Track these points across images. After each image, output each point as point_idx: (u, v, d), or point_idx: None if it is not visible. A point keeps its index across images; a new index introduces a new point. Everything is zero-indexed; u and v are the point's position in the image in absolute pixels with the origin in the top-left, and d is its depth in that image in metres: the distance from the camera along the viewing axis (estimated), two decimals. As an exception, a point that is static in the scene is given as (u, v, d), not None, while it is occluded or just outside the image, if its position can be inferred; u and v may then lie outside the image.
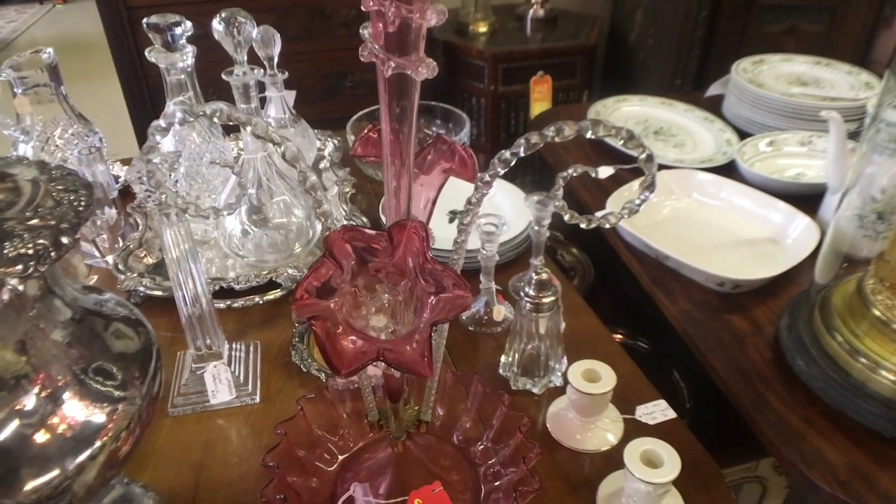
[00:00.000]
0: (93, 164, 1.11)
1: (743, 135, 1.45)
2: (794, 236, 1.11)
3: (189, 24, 1.01)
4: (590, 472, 0.81)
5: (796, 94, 1.47)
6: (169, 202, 0.57)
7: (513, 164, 0.52)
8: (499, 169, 0.52)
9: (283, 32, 1.11)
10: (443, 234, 1.19)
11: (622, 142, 0.49)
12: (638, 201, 0.54)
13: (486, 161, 0.53)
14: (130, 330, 0.60)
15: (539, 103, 2.43)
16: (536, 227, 1.01)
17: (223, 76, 0.97)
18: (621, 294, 1.37)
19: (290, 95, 1.28)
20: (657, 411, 0.87)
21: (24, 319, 0.51)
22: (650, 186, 0.51)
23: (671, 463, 0.70)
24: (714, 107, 1.59)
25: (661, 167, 1.33)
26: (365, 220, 1.24)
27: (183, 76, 1.05)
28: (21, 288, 0.45)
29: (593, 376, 0.82)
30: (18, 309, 0.50)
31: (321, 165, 1.40)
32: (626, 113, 1.61)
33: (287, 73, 1.16)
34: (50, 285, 0.53)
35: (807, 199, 1.19)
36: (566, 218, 0.57)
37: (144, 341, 0.60)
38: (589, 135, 0.49)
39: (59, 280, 0.56)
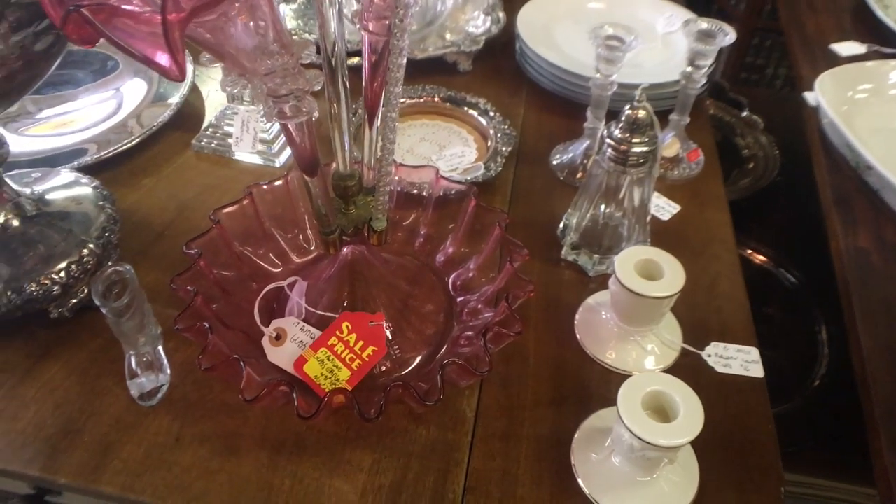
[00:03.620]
0: None
1: None
2: None
3: None
4: (595, 392, 0.58)
5: None
6: None
7: None
8: None
9: None
10: (585, 58, 0.89)
11: None
12: None
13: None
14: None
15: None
16: (689, 69, 0.72)
17: None
18: (802, 211, 1.00)
19: None
20: (738, 359, 0.60)
21: None
22: None
23: (685, 424, 0.45)
24: None
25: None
26: (502, 14, 1.00)
27: None
28: None
29: (653, 272, 0.56)
30: None
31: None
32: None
33: None
34: None
35: None
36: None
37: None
38: None
39: None
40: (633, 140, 0.58)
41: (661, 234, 0.71)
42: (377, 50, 0.46)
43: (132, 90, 0.88)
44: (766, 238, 0.97)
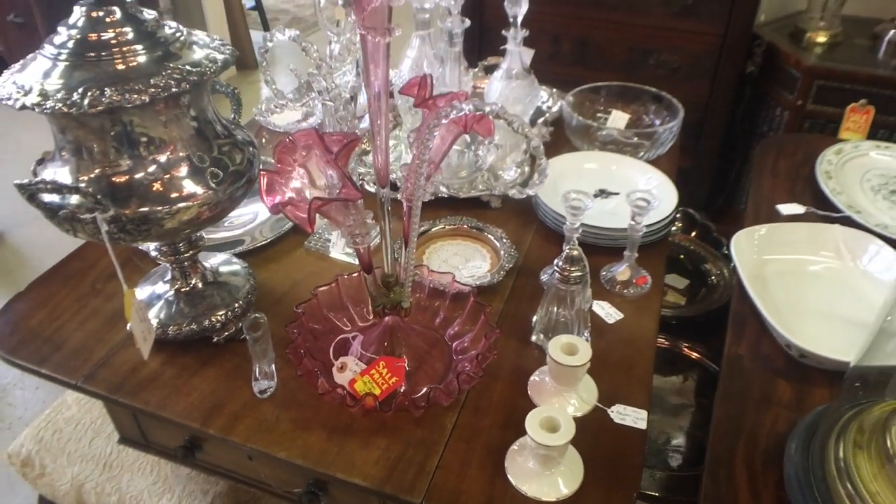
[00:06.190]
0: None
1: None
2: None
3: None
4: (534, 424, 0.91)
5: None
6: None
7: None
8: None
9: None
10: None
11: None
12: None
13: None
14: (241, 159, 0.90)
15: (850, 134, 2.15)
16: (632, 222, 1.07)
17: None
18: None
19: (528, 53, 1.46)
20: (631, 416, 0.91)
21: (184, 124, 0.84)
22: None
23: (561, 434, 0.78)
24: None
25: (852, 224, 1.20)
26: (528, 168, 1.38)
27: (428, 15, 1.30)
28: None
29: (573, 351, 0.90)
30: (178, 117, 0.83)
31: (539, 120, 1.57)
32: (889, 163, 1.42)
33: (529, 31, 1.30)
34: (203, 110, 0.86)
35: None
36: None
37: (246, 168, 0.90)
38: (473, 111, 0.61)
39: (210, 113, 0.88)
40: (571, 268, 0.94)
41: (606, 333, 1.04)
42: (410, 206, 0.85)
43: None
44: (715, 346, 1.27)
